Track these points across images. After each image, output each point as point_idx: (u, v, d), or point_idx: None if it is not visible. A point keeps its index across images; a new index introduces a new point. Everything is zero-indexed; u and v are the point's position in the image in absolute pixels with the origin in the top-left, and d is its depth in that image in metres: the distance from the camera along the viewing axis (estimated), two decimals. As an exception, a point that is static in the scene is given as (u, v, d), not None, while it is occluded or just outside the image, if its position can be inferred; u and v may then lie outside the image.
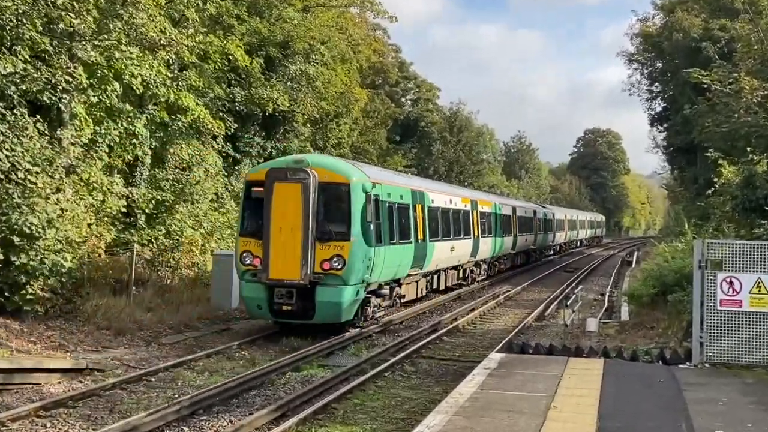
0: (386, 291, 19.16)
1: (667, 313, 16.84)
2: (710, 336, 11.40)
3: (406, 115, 57.88)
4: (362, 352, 15.48)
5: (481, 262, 30.90)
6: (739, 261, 11.22)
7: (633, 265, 41.65)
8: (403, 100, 60.77)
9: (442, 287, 25.23)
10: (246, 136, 30.53)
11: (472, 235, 27.96)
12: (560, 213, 58.50)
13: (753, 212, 16.49)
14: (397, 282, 20.10)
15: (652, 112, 53.57)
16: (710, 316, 11.44)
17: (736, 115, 23.09)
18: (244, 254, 17.01)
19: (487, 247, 30.91)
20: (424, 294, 23.24)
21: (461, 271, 27.73)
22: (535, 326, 20.51)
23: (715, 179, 21.99)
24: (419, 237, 21.05)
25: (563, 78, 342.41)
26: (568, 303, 20.18)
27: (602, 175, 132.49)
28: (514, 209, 37.65)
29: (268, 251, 16.50)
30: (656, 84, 51.57)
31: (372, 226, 17.22)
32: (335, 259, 16.57)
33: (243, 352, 15.47)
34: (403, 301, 21.10)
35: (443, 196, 24.88)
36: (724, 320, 11.34)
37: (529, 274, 37.17)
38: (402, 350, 15.78)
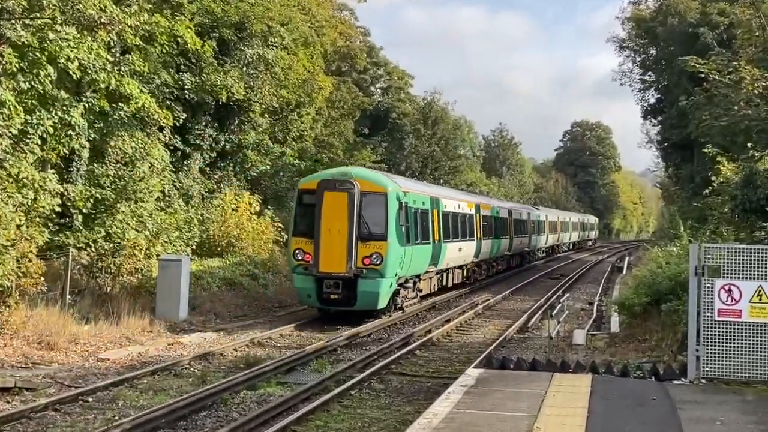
0: (410, 285, 25.12)
1: (661, 324, 16.95)
2: (707, 349, 11.55)
3: (375, 106, 56.81)
4: (326, 369, 15.49)
5: (482, 263, 36.25)
6: (739, 267, 11.41)
7: (624, 272, 41.96)
8: (372, 88, 60.10)
9: (450, 284, 30.40)
10: (197, 127, 30.26)
11: (475, 237, 33.72)
12: (552, 215, 63.82)
13: (753, 214, 16.72)
14: (418, 277, 25.79)
15: (645, 104, 53.81)
16: (707, 327, 11.60)
17: (736, 108, 23.34)
18: (297, 251, 22.51)
19: (488, 248, 36.42)
20: (436, 290, 28.52)
21: (465, 271, 32.92)
22: (517, 339, 20.68)
23: (713, 177, 22.12)
24: (435, 238, 26.70)
25: (550, 66, 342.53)
26: (554, 313, 20.26)
27: (591, 173, 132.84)
28: (510, 212, 44.14)
29: (318, 249, 22.04)
30: (649, 73, 51.78)
31: (403, 228, 22.93)
32: (374, 256, 22.26)
33: (192, 368, 15.44)
34: (421, 294, 26.70)
35: (453, 201, 30.81)
36: (723, 332, 11.51)
37: (511, 282, 37.50)
38: (370, 365, 15.67)
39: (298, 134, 38.31)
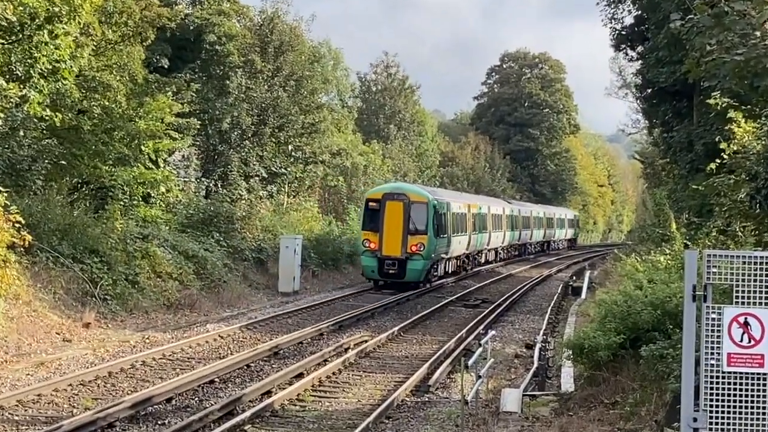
0: (438, 265, 40.24)
1: (640, 378, 14.19)
2: (712, 417, 8.38)
3: (180, 22, 39.73)
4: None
5: (493, 250, 55.12)
6: (762, 287, 8.28)
7: (583, 295, 34.95)
8: (175, -6, 47.60)
9: (450, 271, 43.18)
10: None
11: (480, 231, 49.46)
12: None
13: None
14: (438, 261, 40.17)
15: (618, 27, 40.72)
16: (712, 382, 9.00)
17: (757, 34, 17.06)
18: (365, 241, 36.50)
19: (499, 239, 55.99)
20: (452, 271, 43.57)
21: (459, 260, 46.07)
22: (412, 405, 16.80)
23: (723, 144, 17.61)
24: (448, 233, 40.85)
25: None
26: (470, 362, 16.07)
27: (531, 136, 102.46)
28: (512, 210, 62.35)
29: (382, 239, 36.19)
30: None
31: (436, 226, 37.50)
32: (419, 245, 36.17)
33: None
34: (436, 275, 40.24)
35: (458, 202, 45.35)
36: (735, 389, 8.99)
37: (401, 314, 30.76)
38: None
39: (49, 67, 26.64)
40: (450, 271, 43.71)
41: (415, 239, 36.51)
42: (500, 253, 59.15)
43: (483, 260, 54.18)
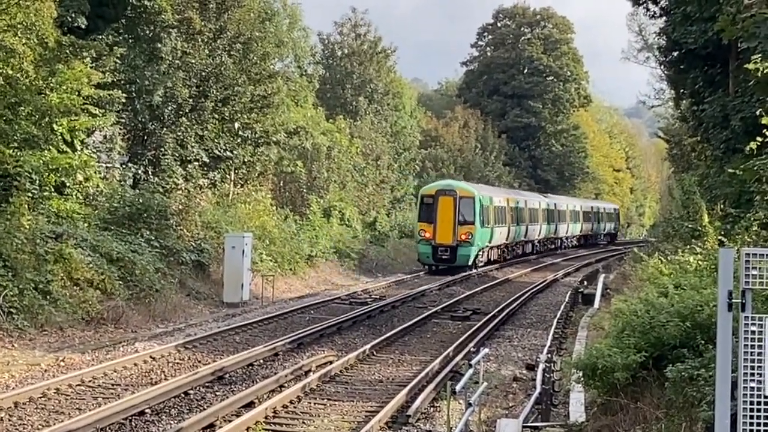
0: (483, 252, 56.86)
1: (665, 404, 13.89)
2: (752, 452, 8.53)
3: None
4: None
5: (528, 242, 71.60)
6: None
7: (596, 304, 34.84)
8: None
9: (492, 259, 59.24)
10: None
11: (518, 223, 65.74)
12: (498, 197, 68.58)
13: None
14: (486, 248, 57.45)
15: None
16: (752, 409, 8.73)
17: None
18: (421, 231, 52.75)
19: (536, 230, 72.27)
20: (494, 259, 59.44)
21: (518, 247, 68.61)
22: None
23: (764, 118, 18.02)
24: (491, 224, 57.30)
25: None
26: (458, 387, 16.16)
27: (532, 109, 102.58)
28: (547, 203, 78.01)
29: (435, 229, 52.17)
30: None
31: (482, 217, 54.00)
32: (468, 234, 52.20)
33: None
34: (481, 262, 57.09)
35: (499, 196, 61.31)
36: None
37: (374, 328, 30.78)
38: None
39: None
40: (492, 259, 59.75)
41: (464, 229, 52.05)
42: (536, 246, 75.42)
43: (521, 251, 69.89)
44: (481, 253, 55.18)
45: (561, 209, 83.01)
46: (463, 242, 52.13)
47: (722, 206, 24.60)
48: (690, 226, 25.55)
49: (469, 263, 53.09)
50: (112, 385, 20.16)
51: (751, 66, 19.24)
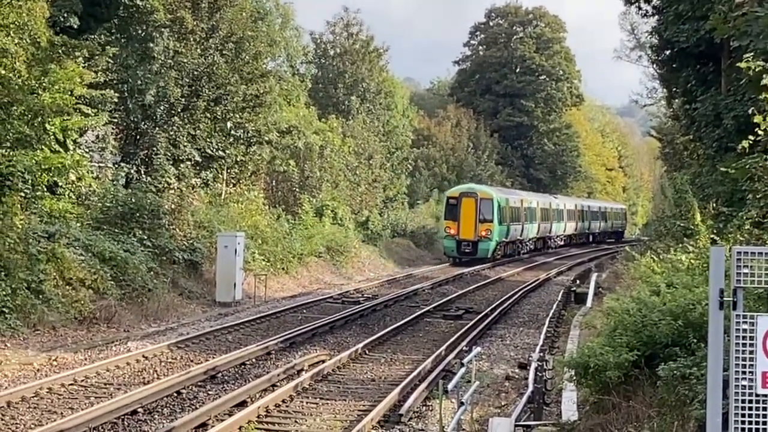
0: (501, 246, 68.07)
1: (657, 403, 13.95)
2: (744, 450, 8.56)
3: None
4: None
5: (555, 237, 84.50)
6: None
7: (589, 302, 35.06)
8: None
9: (524, 251, 73.77)
10: None
11: (534, 221, 75.31)
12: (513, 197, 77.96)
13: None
14: (503, 243, 68.03)
15: None
16: (743, 407, 8.76)
17: None
18: (447, 228, 62.88)
19: (561, 228, 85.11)
20: (509, 253, 69.72)
21: (535, 242, 79.17)
22: None
23: (757, 117, 18.06)
24: (507, 222, 66.92)
25: None
26: (450, 386, 16.23)
27: (524, 108, 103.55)
28: (557, 204, 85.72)
29: (459, 226, 62.24)
30: None
31: (499, 216, 64.33)
32: (487, 231, 62.17)
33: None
34: (500, 254, 67.88)
35: (514, 197, 70.49)
36: None
37: (366, 327, 30.86)
38: None
39: None
40: (508, 253, 68.86)
41: (484, 226, 60.75)
42: (556, 240, 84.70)
43: (532, 247, 77.31)
44: (498, 246, 64.69)
45: (569, 209, 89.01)
46: (483, 238, 60.84)
47: (714, 205, 24.65)
48: (682, 224, 25.63)
49: (488, 256, 62.10)
50: (105, 384, 20.17)
51: (743, 64, 19.15)
